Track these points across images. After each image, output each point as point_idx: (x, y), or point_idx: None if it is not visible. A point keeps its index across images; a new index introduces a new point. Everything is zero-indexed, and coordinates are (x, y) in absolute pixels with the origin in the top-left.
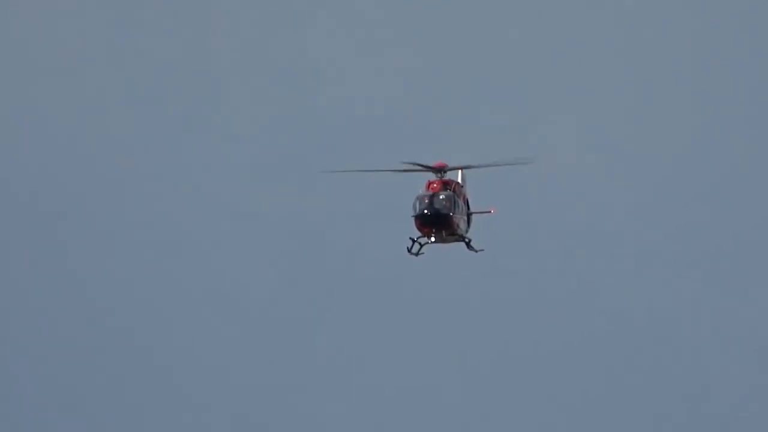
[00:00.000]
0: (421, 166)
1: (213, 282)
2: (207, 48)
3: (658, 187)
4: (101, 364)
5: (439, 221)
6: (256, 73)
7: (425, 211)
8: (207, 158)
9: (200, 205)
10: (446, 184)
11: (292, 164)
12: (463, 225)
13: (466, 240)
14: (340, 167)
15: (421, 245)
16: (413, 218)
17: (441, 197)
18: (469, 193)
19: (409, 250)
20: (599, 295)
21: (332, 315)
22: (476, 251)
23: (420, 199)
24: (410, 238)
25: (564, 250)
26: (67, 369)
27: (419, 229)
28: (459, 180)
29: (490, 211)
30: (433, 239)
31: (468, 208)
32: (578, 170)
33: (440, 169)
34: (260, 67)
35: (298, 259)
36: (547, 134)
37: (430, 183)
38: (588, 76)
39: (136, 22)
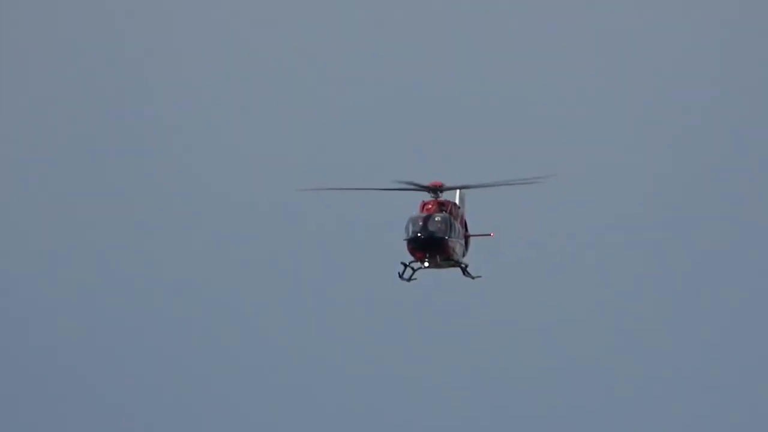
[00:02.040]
0: (415, 185)
1: (195, 304)
2: (203, 53)
3: (662, 203)
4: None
5: (433, 245)
6: (249, 82)
7: (418, 234)
8: (189, 177)
9: (179, 225)
10: (442, 205)
11: (277, 182)
12: (459, 249)
13: (463, 266)
14: (330, 184)
15: (414, 270)
16: (405, 242)
17: (436, 219)
18: (468, 214)
19: (401, 276)
20: (604, 321)
21: (319, 343)
22: (473, 278)
23: (413, 221)
24: (402, 263)
25: (567, 277)
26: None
27: (412, 253)
28: (456, 201)
29: (489, 235)
30: (426, 264)
31: (466, 231)
32: (582, 191)
33: (436, 189)
34: (256, 74)
35: (282, 284)
36: (551, 153)
37: (424, 203)
38: (588, 91)
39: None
